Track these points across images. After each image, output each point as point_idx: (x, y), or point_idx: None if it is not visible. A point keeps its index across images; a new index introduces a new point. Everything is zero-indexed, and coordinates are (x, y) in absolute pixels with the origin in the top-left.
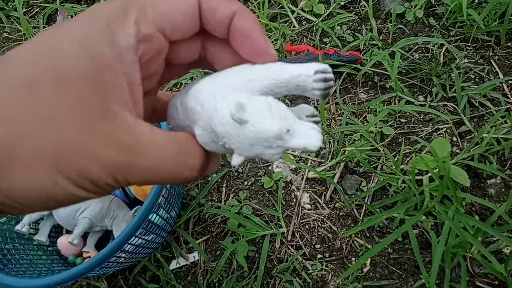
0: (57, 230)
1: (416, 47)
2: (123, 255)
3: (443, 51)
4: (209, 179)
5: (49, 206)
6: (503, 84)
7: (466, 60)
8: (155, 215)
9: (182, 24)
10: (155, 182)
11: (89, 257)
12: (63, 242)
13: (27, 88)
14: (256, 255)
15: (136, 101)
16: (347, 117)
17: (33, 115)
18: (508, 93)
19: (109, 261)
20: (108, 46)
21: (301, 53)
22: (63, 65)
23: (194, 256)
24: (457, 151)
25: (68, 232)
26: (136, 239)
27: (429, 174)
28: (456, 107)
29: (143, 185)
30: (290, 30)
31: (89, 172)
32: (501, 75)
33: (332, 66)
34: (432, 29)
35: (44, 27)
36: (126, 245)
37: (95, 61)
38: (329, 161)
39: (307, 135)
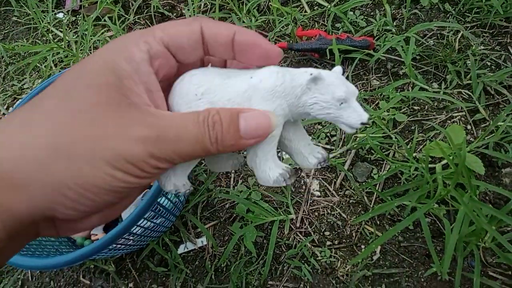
0: None
1: (431, 33)
2: (132, 237)
3: (458, 38)
4: None
5: (97, 199)
6: None
7: (482, 47)
8: (164, 198)
9: (185, 45)
10: (184, 153)
11: (97, 239)
12: None
13: (64, 95)
14: (264, 241)
15: (158, 104)
16: (359, 103)
17: (71, 114)
18: None
19: (117, 243)
20: (127, 62)
21: (313, 38)
22: (91, 78)
23: (202, 241)
24: (471, 139)
25: None
26: (145, 221)
27: (442, 162)
28: (471, 94)
29: (174, 160)
30: (301, 15)
31: (122, 148)
32: None
33: (344, 51)
34: (448, 15)
35: (53, 11)
36: (135, 227)
37: (117, 73)
38: (340, 148)
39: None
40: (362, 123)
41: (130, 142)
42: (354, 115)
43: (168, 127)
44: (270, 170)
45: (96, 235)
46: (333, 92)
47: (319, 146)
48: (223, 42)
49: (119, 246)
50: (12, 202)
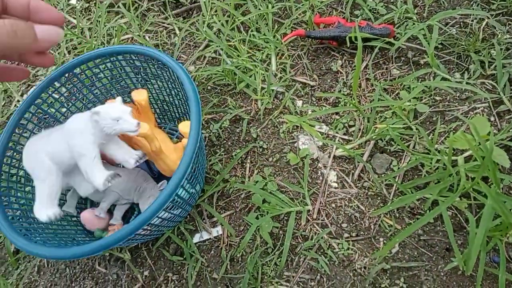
0: (80, 201)
1: (454, 21)
2: (149, 227)
3: (483, 26)
4: (233, 154)
5: None
6: None
7: (508, 36)
8: (181, 188)
9: None
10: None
11: (114, 229)
12: (87, 217)
13: None
14: (280, 232)
15: None
16: (379, 93)
17: None
18: None
19: (136, 233)
20: None
21: (331, 25)
22: None
23: (217, 231)
24: (494, 131)
25: (93, 205)
26: (163, 212)
27: (465, 154)
28: (495, 85)
29: None
30: (319, 1)
31: None
32: None
33: (363, 39)
34: (472, 3)
35: None
36: (154, 218)
37: None
38: (358, 139)
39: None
40: (137, 127)
41: None
42: (128, 124)
43: None
44: (96, 178)
45: (114, 224)
46: (110, 115)
47: (138, 151)
48: (22, 4)
49: (137, 236)
50: None
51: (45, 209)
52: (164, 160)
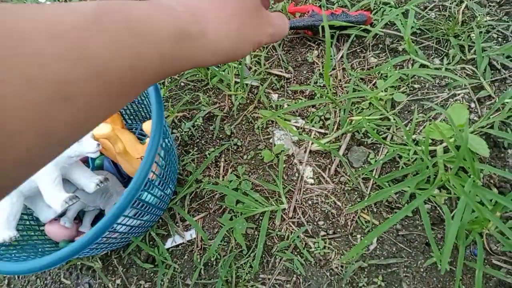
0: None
1: (432, 5)
2: (115, 235)
3: (462, 9)
4: (207, 153)
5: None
6: None
7: (488, 18)
8: (146, 193)
9: None
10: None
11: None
12: (51, 229)
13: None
14: (256, 232)
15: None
16: (355, 83)
17: (237, 10)
18: None
19: (99, 243)
20: None
21: (305, 14)
22: None
23: (191, 234)
24: (475, 118)
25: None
26: (127, 219)
27: (444, 144)
28: (475, 70)
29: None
30: None
31: (261, 39)
32: None
33: (339, 28)
34: None
35: None
36: (120, 226)
37: None
38: (334, 132)
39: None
40: (97, 148)
41: (265, 35)
42: (89, 146)
43: (279, 28)
44: (54, 199)
45: (84, 233)
46: None
47: (100, 174)
48: None
49: (102, 245)
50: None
51: (1, 230)
52: (129, 161)
